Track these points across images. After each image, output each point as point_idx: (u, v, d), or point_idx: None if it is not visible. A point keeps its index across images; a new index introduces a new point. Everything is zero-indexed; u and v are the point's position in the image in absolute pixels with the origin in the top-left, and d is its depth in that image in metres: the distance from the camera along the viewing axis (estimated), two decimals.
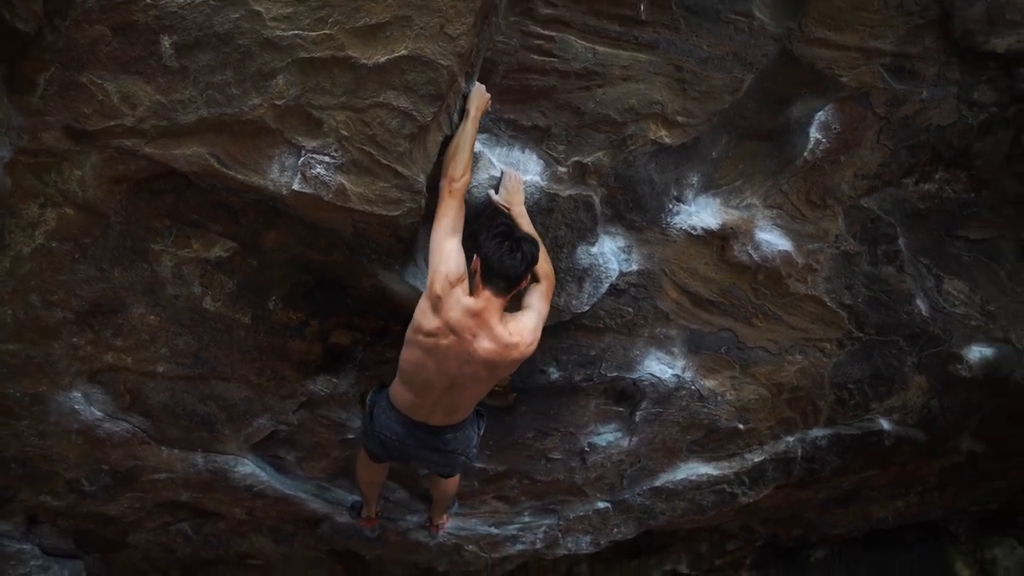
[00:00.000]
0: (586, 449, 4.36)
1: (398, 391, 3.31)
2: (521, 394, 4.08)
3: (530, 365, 3.91)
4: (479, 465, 4.39)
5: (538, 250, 3.04)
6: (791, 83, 3.31)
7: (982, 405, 4.57)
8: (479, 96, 2.97)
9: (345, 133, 2.84)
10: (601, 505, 4.73)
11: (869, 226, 3.75)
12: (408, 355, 3.15)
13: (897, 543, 6.55)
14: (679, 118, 3.26)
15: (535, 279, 3.16)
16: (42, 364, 3.48)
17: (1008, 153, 3.62)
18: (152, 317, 3.46)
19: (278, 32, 2.66)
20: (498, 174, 3.20)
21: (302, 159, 2.89)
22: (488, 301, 2.97)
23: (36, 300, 3.28)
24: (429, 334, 3.01)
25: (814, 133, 3.43)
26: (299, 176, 2.91)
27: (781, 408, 4.36)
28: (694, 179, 3.54)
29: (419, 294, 3.13)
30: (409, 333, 3.09)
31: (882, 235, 3.77)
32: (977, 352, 4.23)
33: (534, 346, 3.10)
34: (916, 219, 3.79)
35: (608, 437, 4.38)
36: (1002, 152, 3.62)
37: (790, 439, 4.53)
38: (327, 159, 2.89)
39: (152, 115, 2.80)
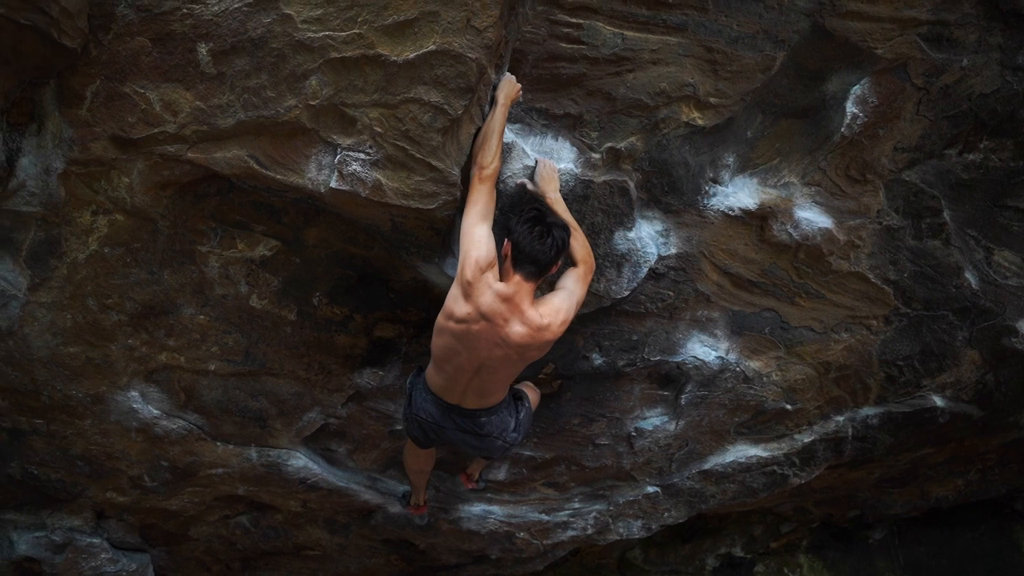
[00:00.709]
0: (633, 434, 4.37)
1: (432, 374, 3.36)
2: (566, 381, 4.10)
3: (573, 352, 3.94)
4: (527, 452, 4.43)
5: (569, 235, 3.04)
6: (825, 58, 3.25)
7: None
8: (508, 84, 2.99)
9: (379, 130, 2.88)
10: (650, 490, 4.72)
11: (912, 199, 3.67)
12: (439, 340, 3.17)
13: (959, 522, 6.41)
14: (711, 99, 3.24)
15: (571, 263, 3.17)
16: (101, 365, 3.62)
17: None
18: (202, 317, 3.57)
19: (309, 34, 2.72)
20: (532, 163, 3.21)
21: (338, 157, 2.95)
22: (519, 286, 2.98)
23: (93, 304, 3.41)
24: (460, 320, 3.02)
25: (851, 108, 3.37)
26: (336, 174, 2.97)
27: (829, 387, 4.30)
28: (730, 160, 3.51)
29: None
30: (440, 319, 3.10)
31: (926, 208, 3.69)
32: None
33: (566, 326, 3.09)
34: (961, 190, 3.69)
35: (654, 421, 4.37)
36: None
37: (840, 418, 4.47)
38: (362, 156, 2.94)
39: (193, 121, 2.88)
